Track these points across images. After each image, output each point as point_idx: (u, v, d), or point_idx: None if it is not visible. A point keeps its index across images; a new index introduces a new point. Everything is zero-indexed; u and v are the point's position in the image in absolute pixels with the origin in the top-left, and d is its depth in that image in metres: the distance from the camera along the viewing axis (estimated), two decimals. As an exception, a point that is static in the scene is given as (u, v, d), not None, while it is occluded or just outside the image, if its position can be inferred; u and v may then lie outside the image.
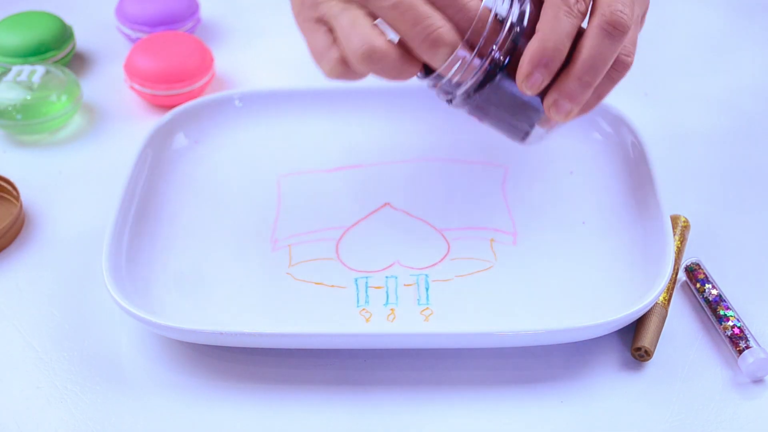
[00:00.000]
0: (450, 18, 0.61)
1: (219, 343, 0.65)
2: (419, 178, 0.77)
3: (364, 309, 0.68)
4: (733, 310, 0.67)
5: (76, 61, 0.92)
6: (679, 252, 0.71)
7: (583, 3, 0.61)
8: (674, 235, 0.71)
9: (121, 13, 0.92)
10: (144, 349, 0.67)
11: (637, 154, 0.75)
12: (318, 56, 0.64)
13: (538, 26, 0.61)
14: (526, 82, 0.61)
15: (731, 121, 0.84)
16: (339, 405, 0.64)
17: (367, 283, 0.70)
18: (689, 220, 0.73)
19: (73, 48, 0.91)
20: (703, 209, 0.75)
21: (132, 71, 0.85)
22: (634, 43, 0.64)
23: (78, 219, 0.76)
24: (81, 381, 0.65)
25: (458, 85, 0.63)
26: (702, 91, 0.87)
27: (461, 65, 0.62)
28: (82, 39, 0.94)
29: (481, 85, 0.63)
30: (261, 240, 0.73)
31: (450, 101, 0.65)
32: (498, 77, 0.63)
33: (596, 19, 0.61)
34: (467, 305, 0.68)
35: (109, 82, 0.89)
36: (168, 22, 0.92)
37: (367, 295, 0.69)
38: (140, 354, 0.67)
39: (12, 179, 0.77)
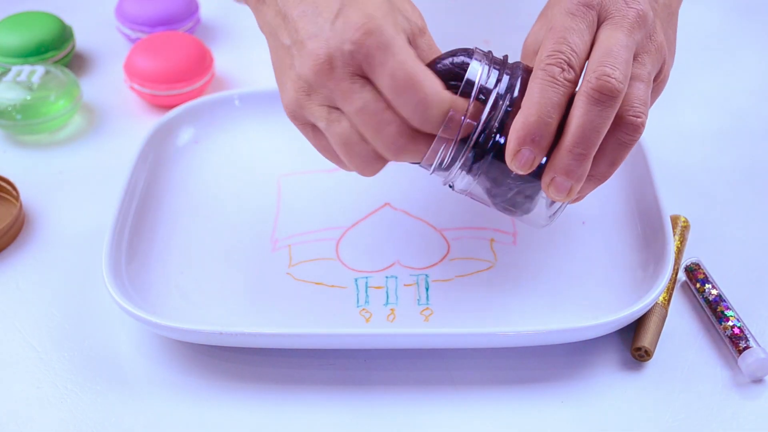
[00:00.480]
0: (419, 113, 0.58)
1: (219, 343, 0.65)
2: (419, 178, 0.77)
3: (364, 309, 0.68)
4: (733, 310, 0.67)
5: (76, 61, 0.92)
6: (679, 252, 0.71)
7: (572, 71, 0.57)
8: (674, 235, 0.71)
9: (120, 13, 0.92)
10: (144, 349, 0.67)
11: (637, 154, 0.75)
12: (326, 154, 0.63)
13: (523, 100, 0.57)
14: (514, 160, 0.57)
15: (731, 121, 0.84)
16: (339, 405, 0.64)
17: (367, 283, 0.70)
18: (689, 220, 0.73)
19: (73, 48, 0.91)
20: (703, 209, 0.75)
21: (132, 71, 0.85)
22: (644, 103, 0.58)
23: (78, 219, 0.76)
24: (81, 381, 0.65)
25: (448, 169, 0.60)
26: (702, 91, 0.87)
27: (443, 153, 0.59)
28: (81, 39, 0.94)
29: (470, 170, 0.60)
30: (261, 240, 0.73)
31: (451, 186, 0.62)
32: (486, 159, 0.59)
33: (583, 86, 0.57)
34: (467, 305, 0.68)
35: (109, 82, 0.89)
36: (168, 22, 0.92)
37: (367, 295, 0.69)
38: (140, 354, 0.67)
39: (12, 179, 0.77)
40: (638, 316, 0.64)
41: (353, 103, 0.58)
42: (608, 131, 0.58)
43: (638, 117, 0.58)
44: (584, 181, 0.59)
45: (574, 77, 0.58)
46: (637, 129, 0.58)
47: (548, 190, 0.58)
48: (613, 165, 0.59)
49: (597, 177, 0.60)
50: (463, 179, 0.61)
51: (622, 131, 0.58)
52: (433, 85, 0.57)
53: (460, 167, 0.60)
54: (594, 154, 0.58)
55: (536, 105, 0.57)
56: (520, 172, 0.58)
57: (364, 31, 0.57)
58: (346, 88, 0.58)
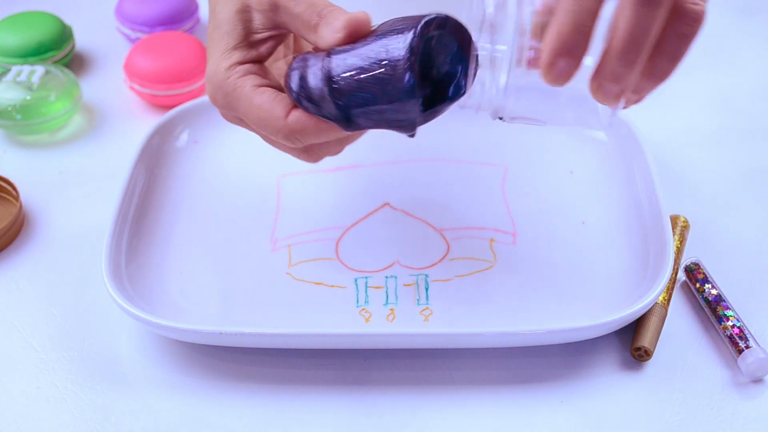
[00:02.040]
0: None
1: (219, 343, 0.65)
2: (419, 178, 0.77)
3: (363, 309, 0.68)
4: (733, 310, 0.67)
5: (76, 61, 0.92)
6: (679, 252, 0.71)
7: None
8: (674, 235, 0.71)
9: (120, 14, 0.92)
10: (144, 349, 0.67)
11: (637, 154, 0.75)
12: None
13: (557, 8, 0.53)
14: (549, 73, 0.53)
15: (731, 121, 0.84)
16: (339, 405, 0.64)
17: (366, 283, 0.70)
18: (689, 220, 0.73)
19: (73, 48, 0.91)
20: (703, 209, 0.75)
21: (132, 71, 0.85)
22: None
23: (78, 219, 0.76)
24: (81, 381, 0.65)
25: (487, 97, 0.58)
26: (702, 91, 0.87)
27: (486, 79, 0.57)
28: (81, 39, 0.94)
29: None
30: (261, 240, 0.73)
31: (501, 118, 0.60)
32: (524, 76, 0.56)
33: None
34: (467, 305, 0.68)
35: (109, 82, 0.89)
36: (168, 22, 0.92)
37: (366, 295, 0.69)
38: (140, 354, 0.67)
39: (12, 179, 0.77)
40: (638, 316, 0.64)
41: (250, 129, 0.64)
42: (667, 25, 0.54)
43: (697, 4, 0.54)
44: (646, 80, 0.56)
45: None
46: (697, 18, 0.54)
47: (596, 95, 0.55)
48: (675, 60, 0.55)
49: (658, 75, 0.56)
50: (508, 103, 0.58)
51: (682, 23, 0.54)
52: (273, 116, 0.60)
53: (504, 89, 0.57)
54: (645, 57, 0.54)
55: (571, 14, 0.53)
56: (556, 85, 0.55)
57: (210, 90, 0.63)
58: (234, 122, 0.65)
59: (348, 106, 0.58)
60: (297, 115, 0.60)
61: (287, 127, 0.60)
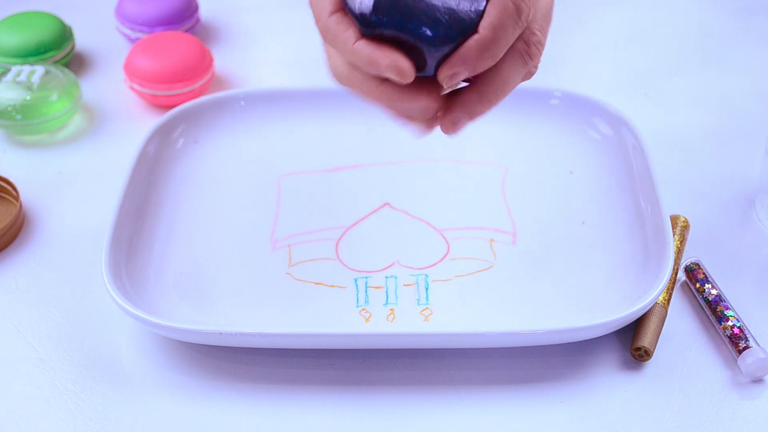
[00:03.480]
0: None
1: (219, 343, 0.65)
2: (419, 178, 0.77)
3: (363, 309, 0.68)
4: (733, 310, 0.67)
5: (76, 61, 0.92)
6: (679, 252, 0.71)
7: None
8: (674, 235, 0.71)
9: (120, 14, 0.93)
10: (144, 349, 0.67)
11: (637, 154, 0.75)
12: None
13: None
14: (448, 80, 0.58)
15: (731, 121, 0.84)
16: (339, 405, 0.64)
17: (366, 283, 0.70)
18: (689, 220, 0.73)
19: (73, 48, 0.91)
20: (703, 209, 0.75)
21: (132, 71, 0.85)
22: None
23: (78, 219, 0.76)
24: (81, 381, 0.65)
25: None
26: (702, 90, 0.87)
27: None
28: (81, 39, 0.94)
29: None
30: (261, 240, 0.73)
31: None
32: None
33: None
34: (467, 305, 0.68)
35: (109, 82, 0.89)
36: (168, 22, 0.92)
37: (366, 295, 0.69)
38: (140, 354, 0.67)
39: (12, 179, 0.77)
40: (638, 316, 0.64)
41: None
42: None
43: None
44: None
45: None
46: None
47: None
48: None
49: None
50: None
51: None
52: (343, 38, 0.57)
53: None
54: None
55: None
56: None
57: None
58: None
59: (381, 23, 0.56)
60: (361, 44, 0.57)
61: (351, 52, 0.58)
